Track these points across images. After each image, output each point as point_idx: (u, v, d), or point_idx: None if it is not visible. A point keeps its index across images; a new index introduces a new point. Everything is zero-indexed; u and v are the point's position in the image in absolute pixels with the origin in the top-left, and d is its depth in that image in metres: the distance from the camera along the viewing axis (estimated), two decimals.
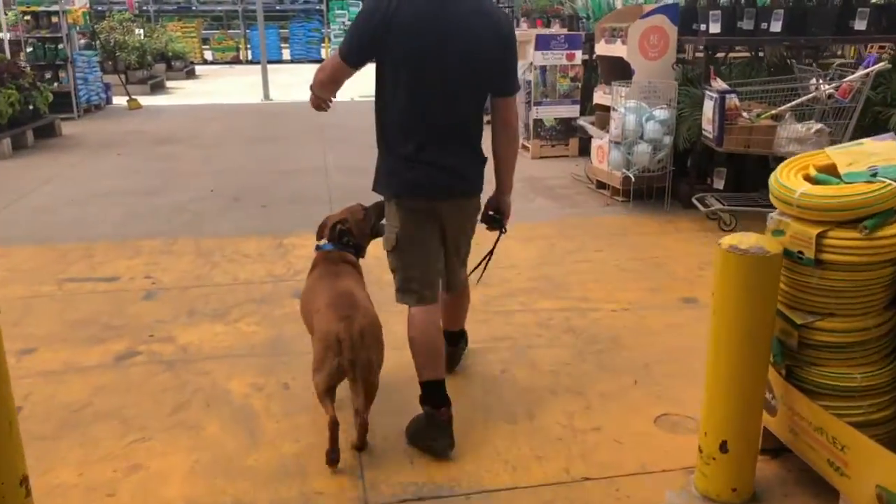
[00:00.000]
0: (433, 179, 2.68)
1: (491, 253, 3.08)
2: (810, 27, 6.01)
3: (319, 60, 24.12)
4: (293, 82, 17.40)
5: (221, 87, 17.17)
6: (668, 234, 5.46)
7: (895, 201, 2.14)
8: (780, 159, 5.62)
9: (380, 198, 2.93)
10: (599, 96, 6.81)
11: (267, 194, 6.72)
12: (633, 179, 5.91)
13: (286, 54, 24.81)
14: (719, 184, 6.03)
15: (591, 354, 3.50)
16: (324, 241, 3.08)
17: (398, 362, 3.05)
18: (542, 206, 6.28)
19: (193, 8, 25.96)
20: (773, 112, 5.29)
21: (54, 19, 11.42)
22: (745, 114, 5.33)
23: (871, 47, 9.58)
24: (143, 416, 3.00)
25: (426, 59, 2.57)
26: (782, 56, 6.69)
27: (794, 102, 5.24)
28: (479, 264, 3.10)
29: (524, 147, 8.56)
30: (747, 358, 2.23)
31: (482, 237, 3.08)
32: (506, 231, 2.99)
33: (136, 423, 2.95)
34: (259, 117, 11.89)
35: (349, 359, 2.52)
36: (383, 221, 2.98)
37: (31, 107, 9.37)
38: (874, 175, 2.18)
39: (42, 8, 11.46)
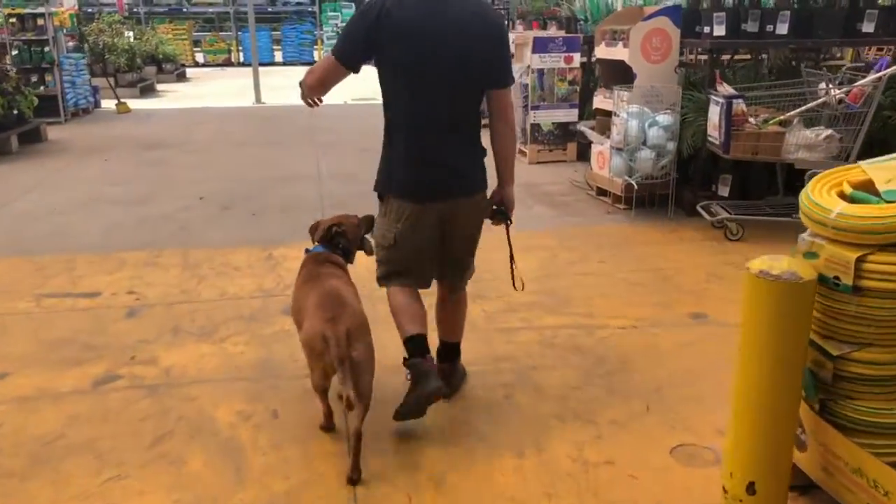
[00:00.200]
0: (434, 179, 2.72)
1: (511, 255, 3.12)
2: (817, 29, 5.84)
3: (312, 63, 23.89)
4: (285, 85, 17.17)
5: (213, 89, 16.93)
6: (673, 243, 5.27)
7: None
8: (790, 166, 5.51)
9: (368, 211, 2.99)
10: (600, 101, 6.62)
11: (257, 202, 6.51)
12: (635, 187, 5.72)
13: (278, 56, 24.55)
14: (724, 191, 5.85)
15: (600, 377, 3.30)
16: (314, 245, 3.10)
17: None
18: (541, 214, 6.08)
19: (184, 10, 25.67)
20: (782, 118, 5.11)
21: (40, 21, 11.17)
22: (751, 119, 5.16)
23: (869, 49, 9.45)
24: (120, 450, 2.79)
25: (422, 59, 2.61)
26: (786, 59, 6.53)
27: (803, 108, 5.07)
28: (512, 272, 3.12)
29: (521, 152, 8.38)
30: (778, 392, 2.04)
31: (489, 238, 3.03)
32: (511, 223, 3.02)
33: (113, 458, 2.74)
34: (250, 121, 11.67)
35: (338, 358, 2.49)
36: (369, 236, 3.10)
37: (15, 111, 9.13)
38: None
39: (28, 10, 11.21)
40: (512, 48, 10.24)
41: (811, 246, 2.11)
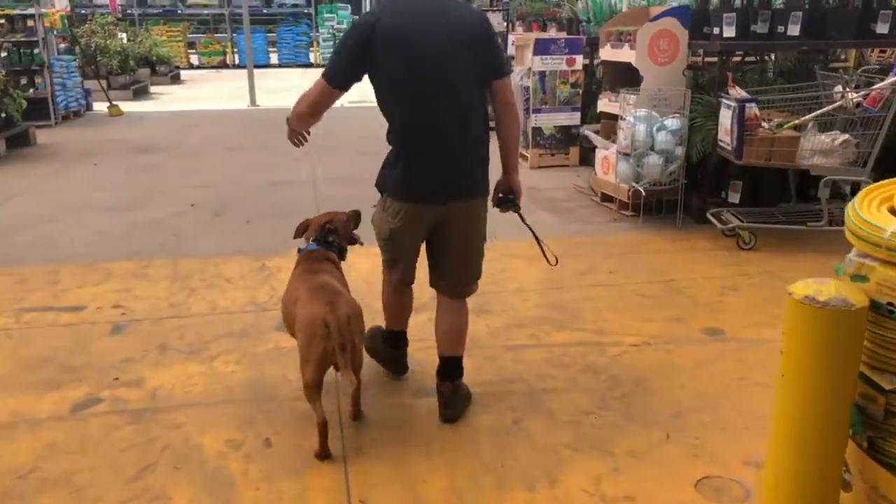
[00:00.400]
0: (432, 182, 2.76)
1: (534, 233, 3.18)
2: (829, 30, 5.65)
3: (308, 65, 23.72)
4: (281, 87, 16.96)
5: (207, 92, 16.70)
6: (683, 252, 5.07)
7: None
8: (802, 172, 5.32)
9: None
10: (605, 104, 6.42)
11: (251, 208, 6.29)
12: (643, 194, 5.52)
13: (274, 58, 24.32)
14: (734, 198, 5.65)
15: (615, 400, 3.09)
16: (304, 243, 3.12)
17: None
18: (545, 221, 5.87)
19: (179, 11, 25.41)
20: (797, 122, 4.92)
21: (30, 23, 10.93)
22: (764, 124, 4.96)
23: (872, 51, 9.27)
24: (99, 484, 2.57)
25: (421, 64, 2.64)
26: (796, 61, 6.34)
27: (818, 112, 4.87)
28: (542, 250, 3.17)
29: (522, 156, 8.17)
30: (825, 428, 1.84)
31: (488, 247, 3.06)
32: (520, 208, 3.04)
33: (91, 493, 2.52)
34: (245, 124, 11.45)
35: (339, 342, 2.52)
36: (356, 231, 3.26)
37: (2, 114, 8.89)
38: None
39: (17, 11, 10.97)
40: (512, 50, 10.05)
41: (860, 268, 1.91)
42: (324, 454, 2.68)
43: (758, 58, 6.87)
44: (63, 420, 3.00)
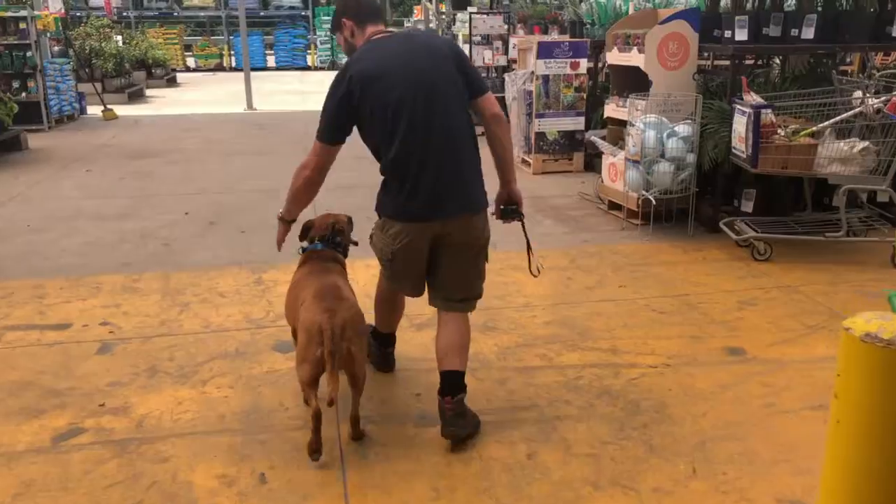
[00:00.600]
0: (429, 201, 2.74)
1: (528, 242, 3.12)
2: (843, 34, 5.47)
3: (305, 68, 23.53)
4: (278, 90, 16.78)
5: (203, 95, 16.50)
6: (696, 264, 4.88)
7: None
8: (820, 180, 5.13)
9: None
10: (612, 109, 6.24)
11: (247, 217, 6.09)
12: (653, 202, 5.33)
13: (271, 61, 24.14)
14: (747, 206, 5.47)
15: (635, 430, 2.89)
16: (306, 243, 3.18)
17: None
18: (551, 231, 5.69)
19: (175, 14, 25.22)
20: (814, 129, 4.73)
21: (22, 25, 10.72)
22: (780, 130, 4.78)
23: (877, 55, 9.09)
24: None
25: (408, 100, 2.68)
26: (808, 65, 6.15)
27: (837, 118, 4.69)
28: (529, 259, 3.13)
29: (525, 162, 7.99)
30: (889, 484, 1.64)
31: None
32: (524, 217, 3.04)
33: None
34: (241, 128, 11.25)
35: (329, 349, 2.55)
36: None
37: None
38: None
39: (9, 14, 10.76)
40: (514, 53, 9.88)
41: None
42: (316, 447, 2.68)
43: (764, 61, 6.69)
44: (43, 453, 2.79)
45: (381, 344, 3.38)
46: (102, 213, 6.22)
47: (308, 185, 2.90)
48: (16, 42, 10.68)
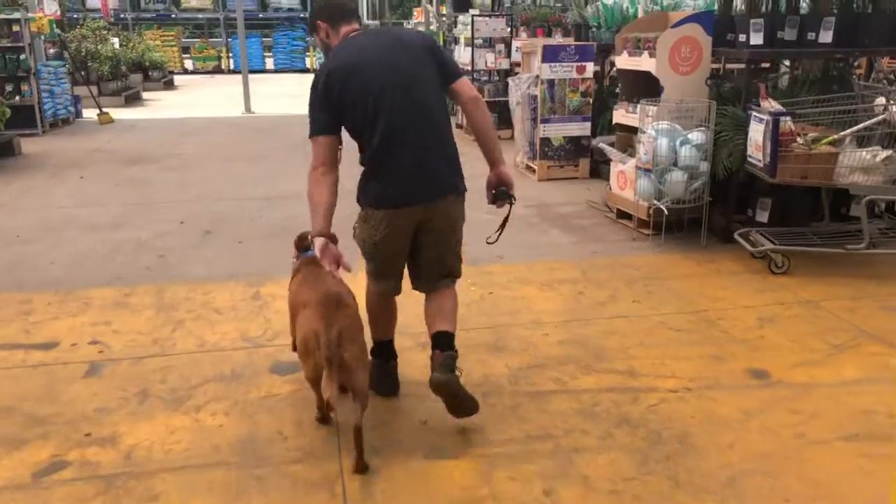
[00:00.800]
0: (410, 186, 2.81)
1: (506, 219, 3.05)
2: (862, 37, 5.29)
3: (304, 70, 23.34)
4: (276, 93, 16.60)
5: (201, 98, 16.32)
6: (711, 277, 4.69)
7: None
8: (843, 191, 4.95)
9: None
10: (621, 115, 6.05)
11: (244, 227, 5.90)
12: (665, 212, 5.14)
13: (270, 64, 23.96)
14: (762, 217, 5.27)
15: (659, 463, 2.70)
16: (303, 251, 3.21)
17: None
18: (559, 241, 5.49)
19: (173, 16, 25.00)
20: (835, 137, 4.55)
21: (15, 27, 10.52)
22: (798, 139, 4.59)
23: (884, 58, 8.91)
24: None
25: (387, 90, 2.76)
26: (823, 69, 5.97)
27: (860, 126, 4.50)
28: (499, 230, 3.07)
29: (530, 168, 7.81)
30: None
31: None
32: (515, 200, 3.01)
33: None
34: (239, 132, 11.06)
35: (325, 356, 2.58)
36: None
37: None
38: None
39: (2, 16, 10.56)
40: (517, 56, 9.69)
41: None
42: (324, 419, 2.93)
43: (772, 66, 6.51)
44: (23, 489, 2.59)
45: (383, 357, 3.21)
46: (95, 223, 6.02)
47: (318, 184, 2.76)
48: (9, 45, 10.48)
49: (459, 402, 2.80)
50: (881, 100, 4.60)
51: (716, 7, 7.44)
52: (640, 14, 6.90)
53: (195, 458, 2.78)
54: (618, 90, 8.22)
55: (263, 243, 5.46)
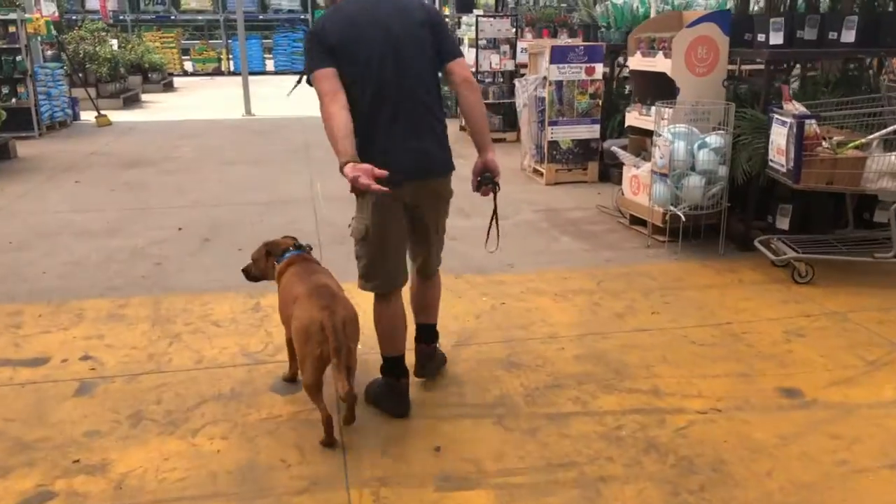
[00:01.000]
0: (406, 163, 2.76)
1: (495, 211, 3.05)
2: (885, 36, 5.09)
3: (304, 72, 23.12)
4: (277, 95, 16.38)
5: (201, 100, 16.13)
6: (732, 287, 4.49)
7: None
8: (866, 196, 4.75)
9: None
10: (634, 118, 5.85)
11: (244, 233, 5.69)
12: (682, 219, 4.94)
13: (270, 65, 23.78)
14: (783, 223, 5.08)
15: (692, 494, 2.50)
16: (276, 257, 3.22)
17: None
18: (571, 249, 5.29)
19: (173, 17, 24.83)
20: (862, 141, 4.35)
21: (11, 29, 10.33)
22: (823, 142, 4.39)
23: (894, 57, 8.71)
24: None
25: (380, 55, 2.72)
26: (844, 70, 5.78)
27: (890, 129, 4.30)
28: (490, 227, 3.04)
29: (537, 172, 7.61)
30: None
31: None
32: (499, 188, 2.97)
33: None
34: (239, 135, 10.86)
35: (334, 346, 2.57)
36: None
37: None
38: None
39: None
40: (523, 57, 9.50)
41: None
42: (329, 441, 2.77)
43: (787, 66, 6.31)
44: None
45: (394, 374, 3.03)
46: (90, 229, 5.82)
47: (330, 112, 2.64)
48: (5, 46, 10.30)
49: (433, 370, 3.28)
50: None
51: (728, 5, 7.25)
52: (652, 14, 6.70)
53: (191, 488, 2.58)
54: (627, 92, 8.05)
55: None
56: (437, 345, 3.32)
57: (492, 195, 2.96)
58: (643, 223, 5.54)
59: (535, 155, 7.70)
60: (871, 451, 2.75)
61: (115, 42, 16.66)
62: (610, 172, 7.34)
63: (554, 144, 7.31)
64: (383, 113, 2.75)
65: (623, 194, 5.89)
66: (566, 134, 7.32)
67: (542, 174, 7.48)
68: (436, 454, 2.76)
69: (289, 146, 9.56)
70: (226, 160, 8.77)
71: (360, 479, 2.59)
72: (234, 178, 7.73)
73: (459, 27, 11.30)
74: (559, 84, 7.16)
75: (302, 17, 25.14)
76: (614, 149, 5.99)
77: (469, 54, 9.83)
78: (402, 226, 2.91)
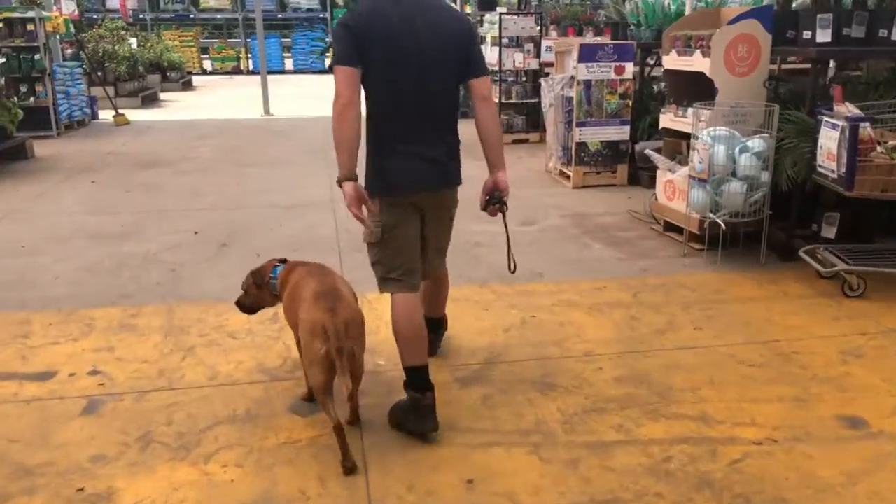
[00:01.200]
0: (419, 173, 2.83)
1: (508, 238, 3.03)
2: None
3: (323, 71, 23.02)
4: (295, 94, 16.26)
5: (219, 99, 16.01)
6: (777, 301, 4.22)
7: None
8: None
9: None
10: (669, 119, 5.59)
11: (262, 238, 5.51)
12: (723, 227, 4.67)
13: (289, 64, 23.65)
14: (829, 232, 4.80)
15: None
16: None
17: None
18: (603, 257, 5.04)
19: (192, 16, 24.78)
20: None
21: (30, 27, 10.23)
22: (878, 147, 4.11)
23: None
24: None
25: (406, 62, 2.73)
26: (892, 69, 5.47)
27: None
28: (509, 255, 3.00)
29: (564, 174, 7.36)
30: None
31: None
32: (507, 208, 2.94)
33: None
34: (258, 135, 10.70)
35: (336, 346, 2.56)
36: None
37: None
38: None
39: (16, 14, 10.28)
40: (548, 56, 9.25)
41: None
42: (349, 463, 2.61)
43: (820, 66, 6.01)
44: None
45: (419, 388, 2.83)
46: (104, 232, 5.66)
47: (342, 115, 2.65)
48: (23, 44, 10.19)
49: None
50: None
51: (765, 1, 6.96)
52: (688, 11, 6.42)
53: None
54: (656, 91, 7.77)
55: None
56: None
57: (500, 215, 2.92)
58: (678, 230, 5.28)
59: (561, 157, 7.45)
60: None
61: (134, 41, 16.60)
62: (639, 175, 7.08)
63: (582, 146, 7.05)
64: (401, 121, 2.79)
65: (657, 199, 5.63)
66: (595, 135, 7.06)
67: (568, 177, 7.23)
68: (468, 487, 2.53)
69: (307, 147, 9.37)
70: (243, 161, 8.60)
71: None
72: (251, 180, 7.55)
73: (482, 25, 11.06)
74: (588, 84, 6.90)
75: (321, 15, 24.99)
76: (648, 151, 5.73)
77: (491, 53, 9.59)
78: (416, 226, 2.93)
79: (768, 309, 4.09)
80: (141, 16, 23.37)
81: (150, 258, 5.04)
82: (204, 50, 23.86)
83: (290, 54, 23.79)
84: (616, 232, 5.61)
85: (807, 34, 4.85)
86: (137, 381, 3.31)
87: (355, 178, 2.70)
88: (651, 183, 6.59)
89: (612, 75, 6.92)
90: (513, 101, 9.79)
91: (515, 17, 9.87)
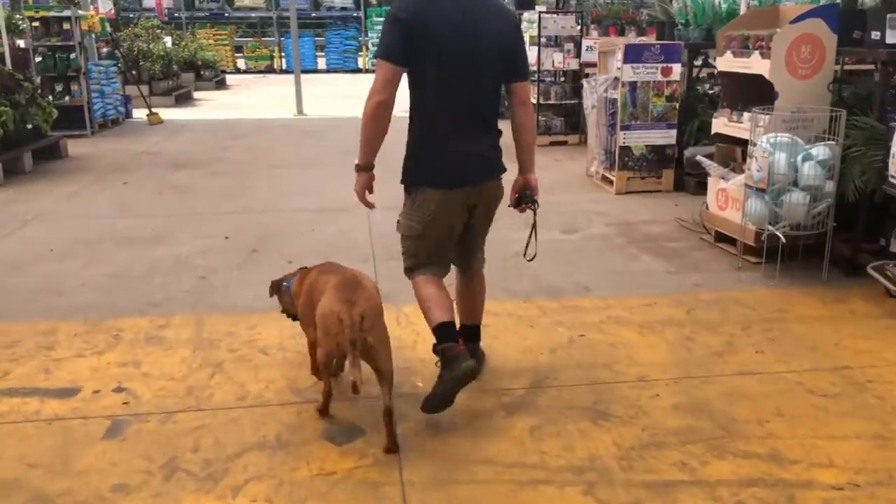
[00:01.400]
0: (472, 166, 2.89)
1: (534, 226, 3.13)
2: None
3: (356, 70, 22.94)
4: (329, 94, 16.16)
5: (252, 99, 15.97)
6: (844, 321, 3.92)
7: None
8: None
9: None
10: (722, 124, 5.29)
11: (294, 244, 5.33)
12: (783, 240, 4.37)
13: (322, 63, 23.61)
14: None
15: None
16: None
17: None
18: (652, 269, 4.77)
19: (226, 15, 24.89)
20: None
21: (66, 25, 10.22)
22: None
23: None
24: None
25: (458, 58, 2.75)
26: None
27: None
28: (528, 241, 3.12)
29: (606, 179, 7.09)
30: None
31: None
32: (538, 205, 3.07)
33: None
34: (291, 135, 10.57)
35: (349, 339, 2.54)
36: None
37: (29, 125, 8.13)
38: None
39: (52, 14, 10.28)
40: (589, 56, 8.97)
41: None
42: (324, 410, 2.89)
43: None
44: None
45: (448, 337, 2.85)
46: (134, 236, 5.53)
47: (375, 114, 2.72)
48: (59, 43, 10.20)
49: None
50: None
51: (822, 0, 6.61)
52: (742, 9, 6.11)
53: None
54: (703, 94, 7.45)
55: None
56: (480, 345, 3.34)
57: (531, 212, 3.06)
58: (730, 241, 4.99)
59: (604, 161, 7.18)
60: None
61: (168, 39, 16.64)
62: (685, 182, 6.78)
63: (626, 150, 6.77)
64: (455, 116, 2.82)
65: (708, 208, 5.34)
66: (640, 139, 6.77)
67: (611, 182, 6.95)
68: None
69: (340, 147, 9.20)
70: (276, 162, 8.46)
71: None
72: (284, 182, 7.40)
73: (521, 24, 10.80)
74: (633, 85, 6.62)
75: (354, 14, 24.94)
76: (699, 158, 5.43)
77: (530, 52, 9.33)
78: (460, 219, 2.95)
79: (835, 331, 3.79)
80: (176, 14, 23.52)
81: (180, 263, 4.89)
82: (238, 49, 23.95)
83: (323, 53, 23.76)
84: (664, 242, 5.33)
85: (875, 34, 4.53)
86: (164, 399, 3.14)
87: (372, 168, 2.88)
88: (698, 189, 6.30)
89: (659, 77, 6.63)
90: (551, 101, 9.52)
91: (555, 15, 9.60)
